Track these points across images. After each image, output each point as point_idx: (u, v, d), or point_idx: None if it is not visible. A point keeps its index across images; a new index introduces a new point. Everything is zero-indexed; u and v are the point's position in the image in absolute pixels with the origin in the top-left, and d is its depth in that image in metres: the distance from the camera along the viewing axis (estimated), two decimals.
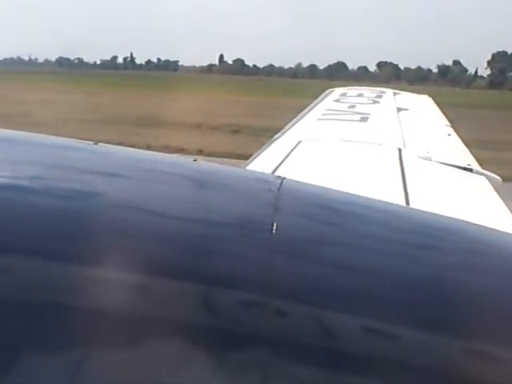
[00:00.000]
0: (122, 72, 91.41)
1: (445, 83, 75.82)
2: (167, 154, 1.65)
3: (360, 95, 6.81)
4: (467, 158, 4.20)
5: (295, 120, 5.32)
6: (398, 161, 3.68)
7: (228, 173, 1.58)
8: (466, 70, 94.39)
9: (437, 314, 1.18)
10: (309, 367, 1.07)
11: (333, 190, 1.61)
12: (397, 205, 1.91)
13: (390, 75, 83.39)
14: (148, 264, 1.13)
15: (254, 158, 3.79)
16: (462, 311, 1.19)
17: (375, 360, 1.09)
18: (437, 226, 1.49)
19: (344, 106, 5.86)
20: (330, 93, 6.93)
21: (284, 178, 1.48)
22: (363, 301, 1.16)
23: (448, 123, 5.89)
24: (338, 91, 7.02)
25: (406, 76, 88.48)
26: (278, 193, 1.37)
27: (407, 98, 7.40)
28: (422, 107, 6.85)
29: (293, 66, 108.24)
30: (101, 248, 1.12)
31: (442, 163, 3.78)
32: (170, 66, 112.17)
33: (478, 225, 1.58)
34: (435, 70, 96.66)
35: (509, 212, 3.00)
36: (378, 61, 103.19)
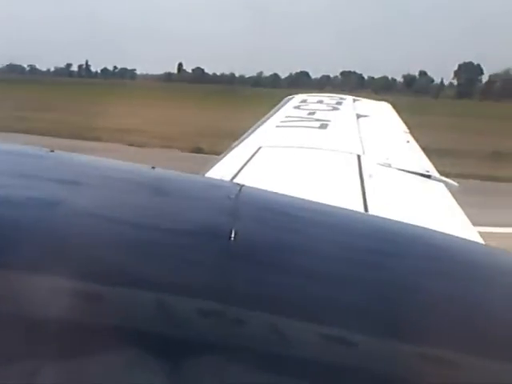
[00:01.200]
0: (76, 80, 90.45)
1: (411, 93, 76.61)
2: (125, 162, 1.62)
3: (320, 102, 6.83)
4: (426, 164, 4.23)
5: (255, 126, 5.31)
6: (357, 167, 3.70)
7: (186, 180, 1.57)
8: (432, 80, 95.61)
9: (394, 320, 1.18)
10: (265, 375, 1.06)
11: (292, 196, 1.61)
12: (355, 211, 1.92)
13: (355, 84, 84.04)
14: (103, 272, 1.11)
15: (213, 164, 3.77)
16: (420, 317, 1.19)
17: (332, 367, 1.09)
18: (395, 232, 1.51)
19: (304, 113, 5.87)
20: (289, 99, 6.94)
21: (243, 185, 1.48)
22: (323, 308, 1.16)
23: (407, 130, 5.94)
24: (297, 98, 7.03)
25: (370, 85, 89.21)
26: (237, 200, 1.37)
27: (367, 105, 7.45)
28: (381, 114, 6.90)
29: (255, 74, 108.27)
30: (52, 256, 1.10)
31: (400, 170, 3.81)
32: (126, 75, 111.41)
33: (436, 231, 1.59)
34: (400, 80, 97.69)
35: (466, 218, 3.03)
36: (341, 70, 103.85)
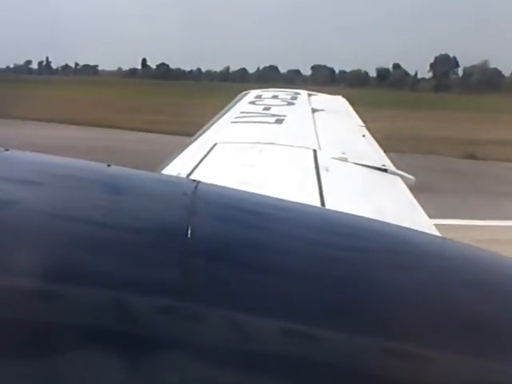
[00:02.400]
0: (35, 77, 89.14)
1: (386, 87, 76.68)
2: (80, 160, 1.59)
3: (275, 97, 6.83)
4: (382, 158, 4.26)
5: (210, 122, 5.29)
6: (313, 162, 3.70)
7: (142, 177, 1.56)
8: (406, 73, 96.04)
9: (351, 313, 1.19)
10: (227, 371, 1.06)
11: (248, 192, 1.61)
12: (312, 206, 1.92)
13: (326, 79, 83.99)
14: (59, 271, 1.10)
15: (169, 161, 3.74)
16: (379, 311, 1.20)
17: (296, 362, 1.08)
18: (352, 226, 1.51)
19: (259, 108, 5.86)
20: (244, 95, 6.93)
21: (199, 181, 1.47)
22: (283, 303, 1.16)
23: (362, 124, 5.97)
24: (252, 93, 7.03)
25: (342, 80, 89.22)
26: (193, 196, 1.36)
27: (322, 99, 7.48)
28: (336, 108, 6.94)
29: (222, 69, 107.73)
30: (5, 256, 1.09)
31: (357, 164, 3.82)
32: (89, 71, 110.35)
33: (392, 224, 1.61)
34: (373, 74, 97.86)
35: (422, 211, 3.05)
36: (312, 64, 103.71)
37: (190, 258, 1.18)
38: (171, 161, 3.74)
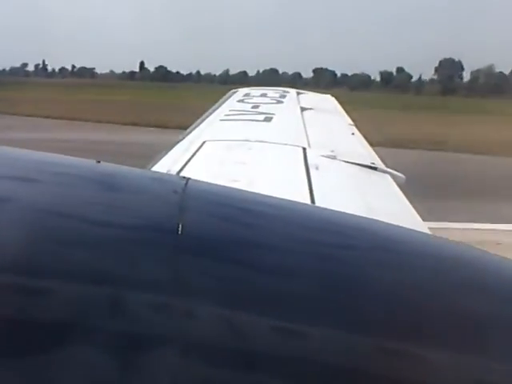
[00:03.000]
0: (32, 80, 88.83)
1: (390, 90, 76.19)
2: (70, 157, 1.58)
3: (263, 95, 6.84)
4: (371, 156, 4.27)
5: (199, 120, 5.28)
6: (302, 160, 3.70)
7: (132, 174, 1.55)
8: (410, 77, 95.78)
9: (341, 311, 1.19)
10: (219, 369, 1.06)
11: (238, 189, 1.60)
12: (302, 203, 1.91)
13: (328, 82, 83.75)
14: (49, 269, 1.10)
15: (159, 159, 3.73)
16: (367, 308, 1.21)
17: (288, 361, 1.09)
18: (342, 223, 1.51)
19: (248, 107, 5.87)
20: (233, 93, 6.93)
21: (189, 178, 1.46)
22: (275, 301, 1.16)
23: (351, 122, 5.98)
24: (241, 92, 7.03)
25: (344, 83, 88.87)
26: (183, 194, 1.36)
27: (311, 98, 7.49)
28: (325, 107, 6.94)
29: (221, 72, 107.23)
30: None
31: (346, 162, 3.82)
32: (86, 73, 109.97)
33: (382, 221, 1.61)
34: (375, 77, 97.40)
35: (412, 208, 3.06)
36: (314, 67, 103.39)
37: (181, 255, 1.18)
38: (160, 159, 3.73)
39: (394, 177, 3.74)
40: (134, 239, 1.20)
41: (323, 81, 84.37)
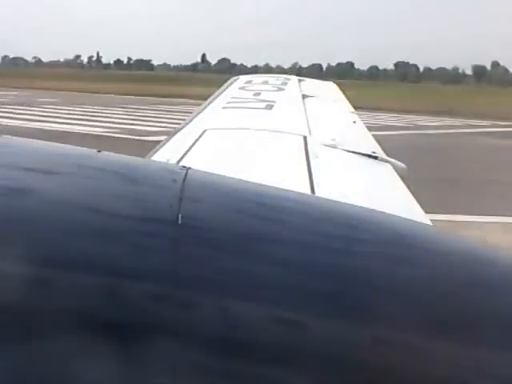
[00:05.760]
0: (88, 71, 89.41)
1: (484, 85, 74.98)
2: (68, 145, 1.58)
3: (265, 82, 6.82)
4: (372, 145, 4.25)
5: (200, 109, 5.27)
6: (303, 149, 3.69)
7: (132, 163, 1.54)
8: (506, 71, 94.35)
9: (345, 303, 1.19)
10: (218, 360, 1.06)
11: (239, 179, 1.59)
12: (302, 193, 1.91)
13: (411, 75, 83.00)
14: (51, 258, 1.10)
15: (159, 147, 3.73)
16: (372, 300, 1.20)
17: (288, 352, 1.09)
18: (343, 213, 1.50)
19: (249, 94, 5.85)
20: (234, 81, 6.91)
21: (189, 167, 1.46)
22: (275, 291, 1.16)
23: (353, 110, 5.96)
24: (242, 79, 7.01)
25: (429, 77, 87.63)
26: (183, 183, 1.35)
27: (312, 85, 7.47)
28: (327, 94, 6.92)
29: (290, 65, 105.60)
30: None
31: (347, 151, 3.81)
32: (143, 65, 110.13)
33: (382, 212, 1.60)
34: (468, 71, 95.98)
35: (413, 198, 3.05)
36: (395, 61, 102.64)
37: (181, 245, 1.18)
38: (160, 147, 3.73)
39: (394, 166, 3.72)
40: (132, 228, 1.20)
41: (406, 74, 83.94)
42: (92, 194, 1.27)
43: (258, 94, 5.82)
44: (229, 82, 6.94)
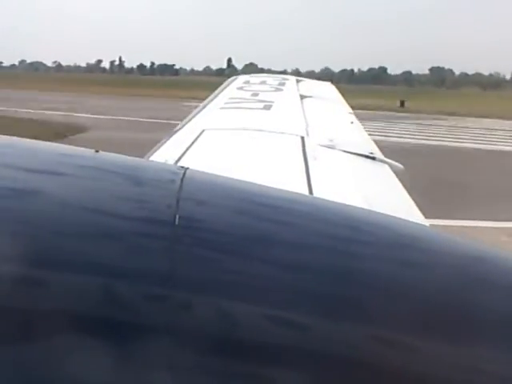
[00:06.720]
0: (115, 76, 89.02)
1: None
2: (68, 146, 1.58)
3: (263, 83, 6.81)
4: (370, 145, 4.25)
5: (198, 109, 5.27)
6: (301, 149, 3.69)
7: (129, 163, 1.54)
8: None
9: (341, 302, 1.20)
10: (217, 360, 1.06)
11: (237, 179, 1.59)
12: (300, 194, 1.91)
13: (448, 81, 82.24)
14: (48, 259, 1.11)
15: (157, 148, 3.72)
16: (368, 300, 1.21)
17: (288, 352, 1.10)
18: (341, 214, 1.50)
19: (247, 94, 5.84)
20: (233, 81, 6.91)
21: (187, 168, 1.46)
22: (273, 292, 1.16)
23: (351, 111, 5.96)
24: (241, 79, 7.01)
25: (466, 83, 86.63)
26: (181, 183, 1.35)
27: (310, 86, 7.46)
28: (325, 95, 6.92)
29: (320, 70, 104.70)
30: None
31: (345, 151, 3.81)
32: (167, 70, 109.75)
33: (380, 212, 1.60)
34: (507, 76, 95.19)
35: (411, 199, 3.05)
36: (430, 66, 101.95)
37: (178, 245, 1.18)
38: (159, 148, 3.72)
39: (392, 167, 3.73)
40: (129, 229, 1.21)
41: (442, 80, 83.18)
42: (90, 194, 1.27)
43: (256, 95, 5.81)
44: (227, 82, 6.93)
